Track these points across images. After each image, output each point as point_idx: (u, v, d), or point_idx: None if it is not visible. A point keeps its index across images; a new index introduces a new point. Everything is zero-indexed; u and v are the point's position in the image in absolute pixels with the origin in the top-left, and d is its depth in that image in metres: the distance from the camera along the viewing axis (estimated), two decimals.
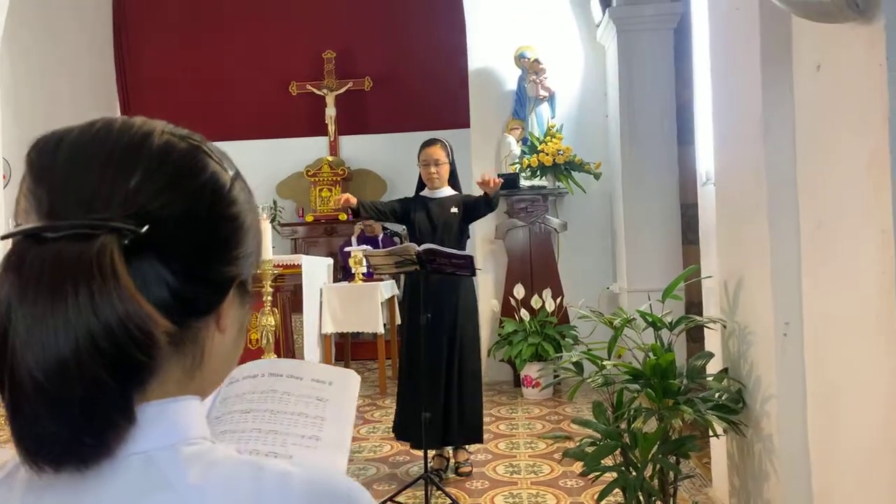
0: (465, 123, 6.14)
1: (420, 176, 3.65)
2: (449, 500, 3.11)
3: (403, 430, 3.57)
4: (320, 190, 8.74)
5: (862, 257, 1.78)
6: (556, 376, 3.91)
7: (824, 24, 1.83)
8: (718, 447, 3.02)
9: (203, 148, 0.59)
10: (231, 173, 0.61)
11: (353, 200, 3.52)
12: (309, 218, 8.65)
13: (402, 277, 5.02)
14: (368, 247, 6.29)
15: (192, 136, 0.60)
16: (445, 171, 3.56)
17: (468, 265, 3.03)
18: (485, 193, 3.38)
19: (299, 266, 5.29)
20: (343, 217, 8.73)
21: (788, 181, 2.16)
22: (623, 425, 2.48)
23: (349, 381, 0.90)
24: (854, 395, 1.87)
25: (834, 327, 1.99)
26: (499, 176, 5.59)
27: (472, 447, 3.91)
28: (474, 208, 3.51)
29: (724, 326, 2.66)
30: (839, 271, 1.93)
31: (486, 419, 4.44)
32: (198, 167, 0.58)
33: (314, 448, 0.81)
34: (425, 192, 3.63)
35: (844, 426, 1.94)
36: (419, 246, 3.09)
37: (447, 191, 3.61)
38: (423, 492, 3.07)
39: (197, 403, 0.60)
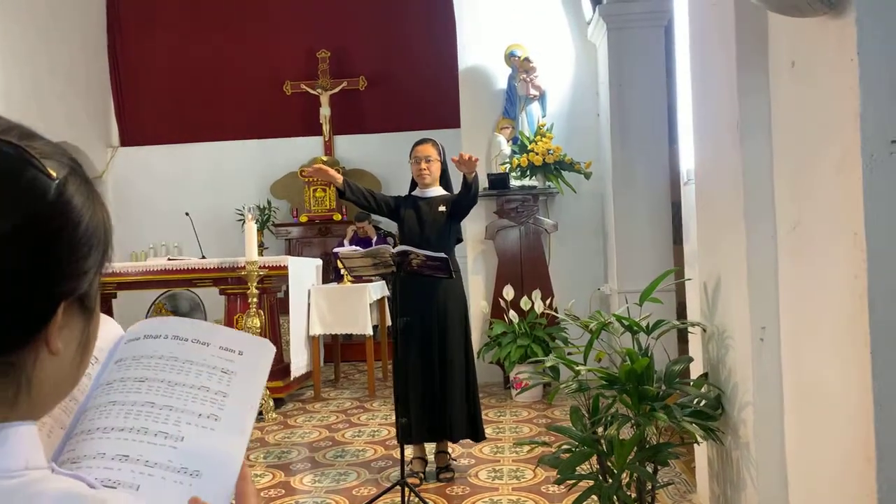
0: (459, 123, 6.08)
1: (413, 176, 3.62)
2: None
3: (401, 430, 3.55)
4: (314, 190, 8.70)
5: (836, 260, 1.72)
6: (542, 377, 3.85)
7: (797, 18, 1.77)
8: (701, 453, 2.95)
9: (22, 149, 0.51)
10: (59, 174, 0.53)
11: (339, 179, 3.41)
12: (303, 218, 8.60)
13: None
14: (360, 248, 6.24)
15: (10, 132, 0.53)
16: (436, 168, 3.53)
17: (444, 267, 2.97)
18: (463, 177, 3.33)
19: (286, 268, 5.23)
20: (338, 217, 8.68)
21: (765, 181, 2.10)
22: (600, 431, 2.42)
23: (261, 351, 0.79)
24: (828, 402, 1.81)
25: (809, 332, 1.92)
26: (489, 175, 5.56)
27: (456, 451, 3.85)
28: (457, 201, 3.47)
29: (704, 330, 2.60)
30: (814, 275, 1.87)
31: None
32: (7, 175, 0.50)
33: (210, 430, 0.72)
34: (416, 192, 3.60)
35: (820, 434, 1.88)
36: (402, 245, 3.04)
37: (438, 190, 3.58)
38: (401, 498, 3.02)
39: (26, 429, 0.53)
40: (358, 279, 5.91)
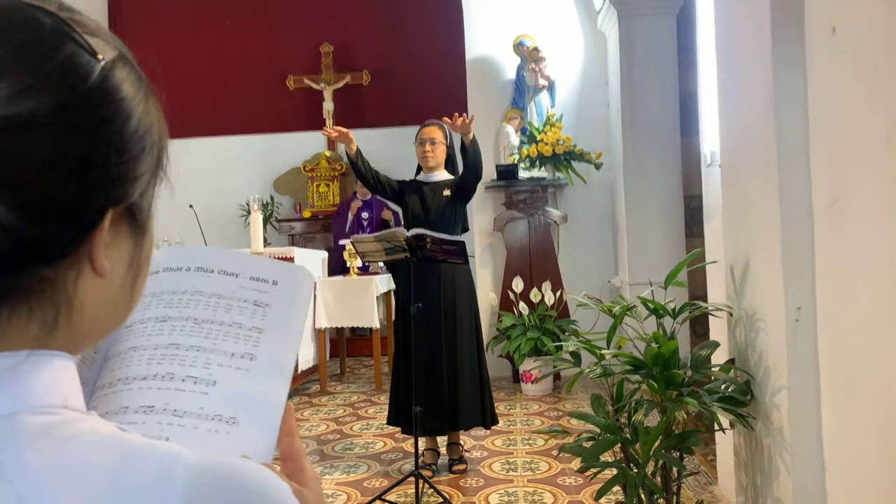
0: None
1: (417, 159, 3.54)
2: (441, 499, 2.97)
3: (396, 420, 3.45)
4: (318, 185, 8.63)
5: (880, 234, 1.64)
6: (553, 366, 3.76)
7: None
8: (724, 443, 2.88)
9: (62, 20, 0.43)
10: (106, 56, 0.45)
11: (354, 145, 3.36)
12: (306, 214, 8.52)
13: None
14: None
15: (50, 1, 0.44)
16: (441, 152, 3.44)
17: (460, 251, 2.88)
18: (462, 143, 3.26)
19: (292, 259, 5.15)
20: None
21: (800, 156, 2.02)
22: (623, 419, 2.34)
23: (299, 279, 0.68)
24: (871, 385, 1.73)
25: (850, 312, 1.84)
26: (497, 167, 5.48)
27: (468, 444, 3.77)
28: (461, 182, 3.40)
29: (731, 314, 2.51)
30: (855, 251, 1.79)
31: None
32: (44, 48, 0.42)
33: (246, 371, 0.62)
34: (421, 176, 3.52)
35: (861, 417, 1.80)
36: (409, 231, 2.95)
37: (443, 174, 3.49)
38: (414, 489, 2.94)
39: (61, 360, 0.45)
40: (365, 270, 5.83)
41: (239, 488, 0.44)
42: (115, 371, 0.64)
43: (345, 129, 3.38)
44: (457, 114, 3.28)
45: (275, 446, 0.62)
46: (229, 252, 0.71)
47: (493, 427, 3.58)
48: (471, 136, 3.30)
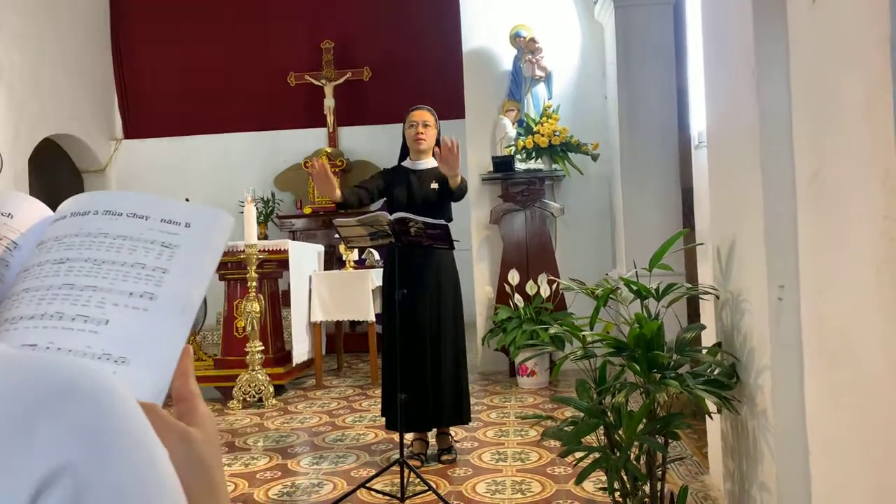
0: (464, 113, 5.94)
1: (403, 144, 3.48)
2: (426, 487, 2.93)
3: (385, 412, 3.41)
4: None
5: (862, 204, 1.59)
6: (537, 350, 3.71)
7: None
8: (714, 431, 2.82)
9: None
10: None
11: (338, 194, 3.14)
12: (307, 210, 8.50)
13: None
14: None
15: None
16: (432, 135, 3.39)
17: (444, 236, 2.84)
18: (447, 184, 3.17)
19: (286, 251, 5.13)
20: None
21: (783, 130, 1.97)
22: (607, 402, 2.30)
23: (215, 220, 0.64)
24: (854, 360, 1.68)
25: (832, 288, 1.79)
26: (493, 158, 5.43)
27: (459, 435, 3.73)
28: (449, 193, 3.28)
29: (717, 297, 2.46)
30: (836, 226, 1.74)
31: (476, 408, 4.27)
32: None
33: (143, 311, 0.58)
34: (407, 163, 3.45)
35: (844, 396, 1.74)
36: (399, 213, 2.90)
37: (431, 162, 3.42)
38: (400, 479, 2.90)
39: None
40: (361, 264, 5.80)
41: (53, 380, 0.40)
42: (3, 313, 0.61)
43: (328, 173, 3.10)
44: (444, 140, 3.12)
45: (167, 387, 0.59)
46: (142, 195, 0.67)
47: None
48: (458, 179, 3.15)
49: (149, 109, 9.00)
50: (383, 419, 3.54)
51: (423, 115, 3.38)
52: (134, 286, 0.59)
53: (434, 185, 3.31)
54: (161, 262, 0.61)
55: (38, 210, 0.69)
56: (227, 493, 0.59)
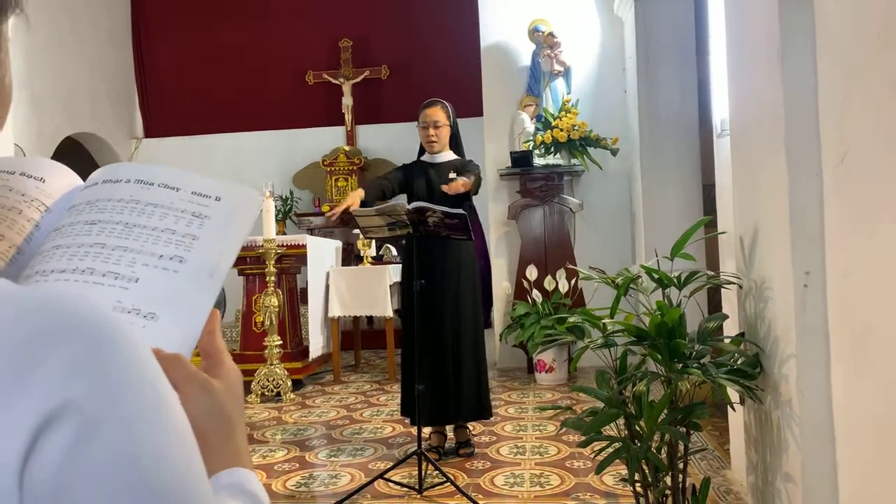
0: (482, 111, 5.91)
1: (421, 142, 3.47)
2: (444, 479, 2.91)
3: (405, 406, 3.39)
4: (336, 180, 8.63)
5: (889, 190, 1.54)
6: (552, 340, 3.66)
7: None
8: (736, 425, 2.78)
9: None
10: None
11: (356, 203, 3.10)
12: (325, 208, 8.51)
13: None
14: None
15: None
16: (445, 133, 3.37)
17: (462, 226, 2.82)
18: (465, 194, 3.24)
19: (304, 246, 5.13)
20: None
21: (809, 111, 1.93)
22: (628, 392, 2.26)
23: (245, 197, 0.66)
24: (883, 348, 1.63)
25: (861, 273, 1.75)
26: (511, 154, 5.41)
27: (477, 429, 3.71)
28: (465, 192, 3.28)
29: (741, 287, 2.42)
30: (864, 209, 1.69)
31: (495, 403, 4.23)
32: None
33: (173, 272, 0.59)
34: (425, 157, 3.44)
35: (872, 384, 1.70)
36: (417, 202, 2.89)
37: (448, 155, 3.41)
38: (417, 470, 2.88)
39: None
40: (379, 260, 5.80)
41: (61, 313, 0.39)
42: (35, 266, 0.62)
43: (340, 205, 3.15)
44: (450, 187, 3.17)
45: (194, 345, 0.59)
46: (174, 170, 0.69)
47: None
48: (469, 184, 3.20)
49: (169, 109, 9.07)
50: (401, 414, 3.52)
51: (435, 114, 3.35)
52: (164, 249, 0.61)
53: (452, 175, 3.30)
54: (192, 229, 0.62)
55: (69, 177, 0.71)
56: (245, 442, 0.59)
